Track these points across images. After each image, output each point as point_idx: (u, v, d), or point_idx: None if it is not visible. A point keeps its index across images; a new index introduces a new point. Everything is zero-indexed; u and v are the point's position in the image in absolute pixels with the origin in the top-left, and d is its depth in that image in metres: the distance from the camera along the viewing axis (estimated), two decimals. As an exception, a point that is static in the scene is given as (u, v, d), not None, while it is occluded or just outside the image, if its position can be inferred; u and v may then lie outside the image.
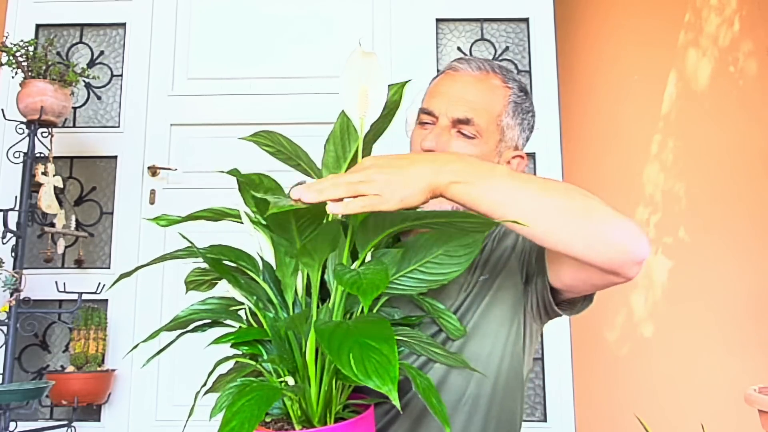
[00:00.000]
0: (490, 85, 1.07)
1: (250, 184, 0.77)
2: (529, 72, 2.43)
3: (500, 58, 2.48)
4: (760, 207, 2.35)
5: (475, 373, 0.98)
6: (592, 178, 2.43)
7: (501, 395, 1.03)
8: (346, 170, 0.83)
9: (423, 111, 1.07)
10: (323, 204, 0.69)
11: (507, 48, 2.49)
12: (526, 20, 2.47)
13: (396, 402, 0.60)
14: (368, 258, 0.82)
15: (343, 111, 0.85)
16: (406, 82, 0.90)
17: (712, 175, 2.38)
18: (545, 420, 2.25)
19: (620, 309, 2.35)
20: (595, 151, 2.45)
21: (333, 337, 0.63)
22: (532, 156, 2.36)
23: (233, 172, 0.79)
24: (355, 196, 0.71)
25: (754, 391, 0.91)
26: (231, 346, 0.79)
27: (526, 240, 1.04)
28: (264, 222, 0.79)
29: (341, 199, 0.70)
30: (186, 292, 0.89)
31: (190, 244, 0.83)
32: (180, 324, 0.81)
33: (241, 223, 0.82)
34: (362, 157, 0.79)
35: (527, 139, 1.12)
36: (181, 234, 0.86)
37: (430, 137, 1.03)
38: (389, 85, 0.89)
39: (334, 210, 0.70)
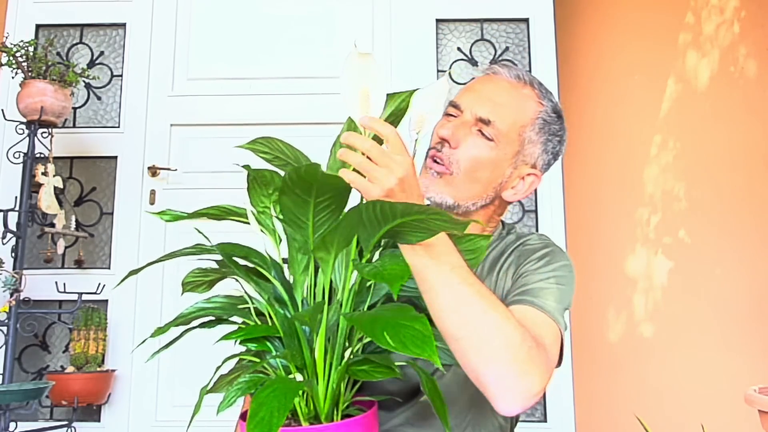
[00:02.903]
0: (523, 95, 1.06)
1: (261, 180, 0.78)
2: (529, 72, 2.43)
3: (500, 58, 2.48)
4: (760, 207, 2.35)
5: None
6: (592, 178, 2.43)
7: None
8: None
9: (451, 104, 1.08)
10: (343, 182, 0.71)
11: (507, 48, 2.49)
12: (526, 20, 2.47)
13: (438, 363, 0.62)
14: (375, 257, 0.82)
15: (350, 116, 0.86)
16: (414, 90, 0.91)
17: (712, 175, 2.38)
18: (545, 420, 2.26)
19: (620, 309, 2.35)
20: (595, 151, 2.45)
21: (363, 322, 0.65)
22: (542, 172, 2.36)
23: (246, 167, 0.80)
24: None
25: (754, 392, 0.92)
26: (240, 343, 0.79)
27: (512, 289, 1.02)
28: (279, 216, 0.79)
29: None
30: (182, 294, 0.89)
31: (196, 242, 0.83)
32: (184, 321, 0.81)
33: (246, 222, 0.82)
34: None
35: (548, 163, 1.10)
36: (197, 229, 0.87)
37: (448, 126, 1.03)
38: (395, 93, 0.90)
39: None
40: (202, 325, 0.83)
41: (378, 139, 0.79)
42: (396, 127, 0.87)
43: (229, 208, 0.83)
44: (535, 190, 2.34)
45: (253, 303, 0.82)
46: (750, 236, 2.34)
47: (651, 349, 2.32)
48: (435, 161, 1.04)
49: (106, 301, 2.29)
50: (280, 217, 0.75)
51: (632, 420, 1.83)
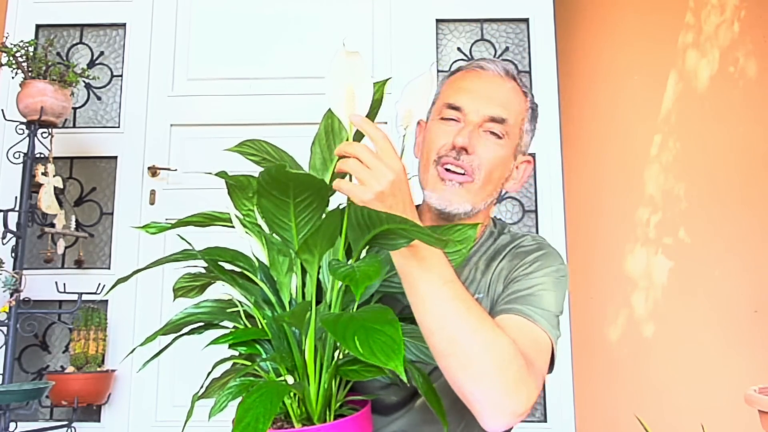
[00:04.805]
0: (514, 89, 1.08)
1: (239, 186, 0.78)
2: (529, 72, 2.43)
3: (500, 58, 2.48)
4: (760, 207, 2.35)
5: None
6: (592, 178, 2.43)
7: None
8: (332, 173, 0.83)
9: (449, 106, 1.05)
10: (323, 182, 0.71)
11: (507, 48, 2.49)
12: (526, 20, 2.47)
13: (403, 376, 0.61)
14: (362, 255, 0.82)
15: (326, 113, 0.86)
16: (387, 80, 0.91)
17: (712, 175, 2.38)
18: (545, 420, 2.25)
19: (621, 309, 2.35)
20: (595, 151, 2.45)
21: (338, 324, 0.64)
22: (531, 156, 2.36)
23: (221, 174, 0.80)
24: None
25: (754, 392, 0.91)
26: (229, 347, 0.79)
27: (503, 293, 1.01)
28: (258, 216, 0.79)
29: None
30: (174, 300, 0.90)
31: (186, 247, 0.83)
32: (175, 327, 0.81)
33: (232, 227, 0.82)
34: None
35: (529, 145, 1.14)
36: (180, 236, 0.87)
37: (464, 133, 1.01)
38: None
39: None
40: (191, 332, 0.83)
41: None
42: (373, 118, 0.86)
43: (213, 214, 0.83)
44: (535, 191, 2.36)
45: (242, 306, 0.82)
46: (750, 236, 2.34)
47: (651, 349, 2.32)
48: (451, 170, 1.01)
49: (106, 301, 2.28)
50: (264, 218, 0.75)
51: (632, 420, 1.83)
